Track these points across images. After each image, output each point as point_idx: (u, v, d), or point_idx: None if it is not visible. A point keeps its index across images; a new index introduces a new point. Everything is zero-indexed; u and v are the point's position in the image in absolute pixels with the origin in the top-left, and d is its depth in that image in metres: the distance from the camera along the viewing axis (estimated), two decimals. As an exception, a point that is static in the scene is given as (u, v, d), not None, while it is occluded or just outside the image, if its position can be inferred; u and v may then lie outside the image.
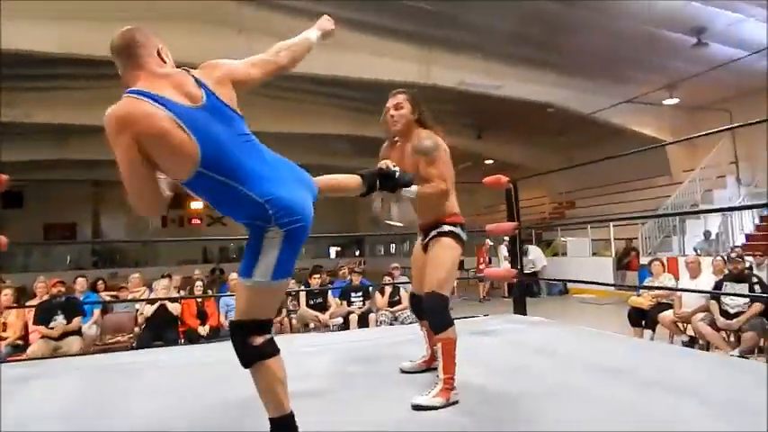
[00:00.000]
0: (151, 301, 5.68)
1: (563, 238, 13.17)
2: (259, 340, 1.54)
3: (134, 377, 2.74)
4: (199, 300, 5.87)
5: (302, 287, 6.61)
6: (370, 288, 6.66)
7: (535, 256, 11.58)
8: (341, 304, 6.29)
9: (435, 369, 2.37)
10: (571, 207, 15.89)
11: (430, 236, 2.36)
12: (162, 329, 5.54)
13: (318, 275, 6.44)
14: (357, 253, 25.28)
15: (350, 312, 6.14)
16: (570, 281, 11.60)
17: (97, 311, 5.90)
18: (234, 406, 2.08)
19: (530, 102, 10.88)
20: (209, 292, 6.20)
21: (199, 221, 23.83)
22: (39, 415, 2.08)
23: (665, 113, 11.66)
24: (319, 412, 1.97)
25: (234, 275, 6.26)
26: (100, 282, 7.02)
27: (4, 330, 5.24)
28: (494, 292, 11.90)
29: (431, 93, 10.53)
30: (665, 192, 12.01)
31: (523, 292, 4.39)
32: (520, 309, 4.32)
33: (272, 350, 1.56)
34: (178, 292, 6.52)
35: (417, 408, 2.02)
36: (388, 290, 6.31)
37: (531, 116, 12.04)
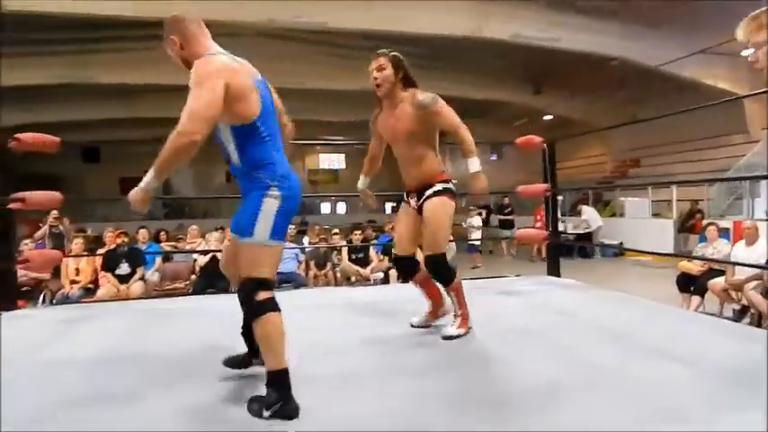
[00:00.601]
0: (204, 252, 6.09)
1: (622, 198, 12.64)
2: (262, 296, 1.71)
3: (180, 321, 3.01)
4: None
5: (346, 242, 6.83)
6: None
7: (589, 217, 11.25)
8: (382, 259, 6.46)
9: (442, 317, 2.56)
10: (635, 165, 15.13)
11: (425, 196, 2.45)
12: (214, 278, 5.94)
13: (360, 231, 6.62)
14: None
15: (390, 268, 6.31)
16: (604, 245, 11.17)
17: (159, 260, 6.40)
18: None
19: (591, 54, 10.31)
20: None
21: (260, 176, 24.67)
22: (73, 356, 2.36)
23: (741, 65, 10.68)
24: (313, 359, 2.15)
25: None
26: (162, 233, 7.55)
27: (78, 275, 5.82)
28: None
29: (484, 47, 10.21)
30: (741, 150, 11.15)
31: (557, 253, 4.36)
32: (553, 270, 4.30)
33: (272, 307, 1.72)
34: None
35: (448, 338, 2.34)
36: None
37: (593, 69, 11.44)
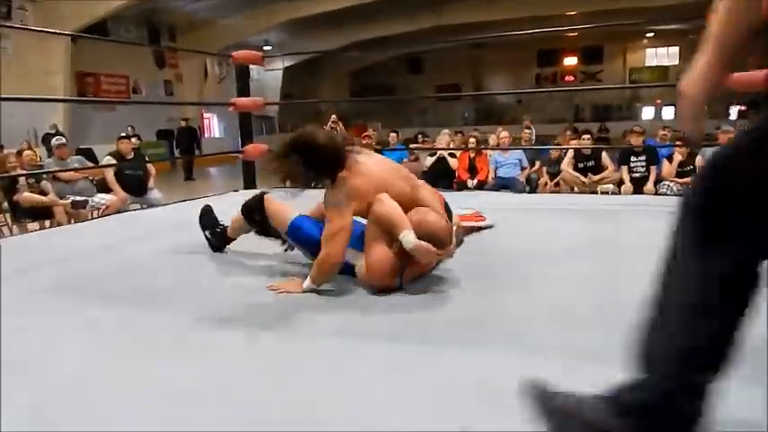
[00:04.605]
0: (433, 153, 6.45)
1: None
2: None
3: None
4: (472, 155, 6.28)
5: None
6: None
7: None
8: (618, 169, 5.55)
9: None
10: None
11: None
12: (436, 178, 6.28)
13: (590, 135, 5.75)
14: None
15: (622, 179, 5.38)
16: None
17: (405, 160, 7.12)
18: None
19: None
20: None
21: (572, 78, 23.03)
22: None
23: None
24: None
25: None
26: (419, 135, 8.26)
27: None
28: None
29: None
30: None
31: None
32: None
33: None
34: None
35: None
36: (678, 157, 5.12)
37: None
